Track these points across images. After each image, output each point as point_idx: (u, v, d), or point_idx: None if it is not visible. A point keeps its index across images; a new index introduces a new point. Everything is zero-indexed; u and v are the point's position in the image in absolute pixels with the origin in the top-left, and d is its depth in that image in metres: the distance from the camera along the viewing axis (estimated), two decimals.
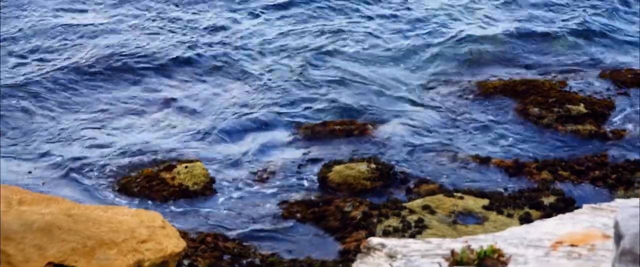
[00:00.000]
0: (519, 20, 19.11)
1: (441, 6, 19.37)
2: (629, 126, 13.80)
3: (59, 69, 15.38)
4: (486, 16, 19.19)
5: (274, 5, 18.85)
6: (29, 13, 17.75)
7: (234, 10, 18.60)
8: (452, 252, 4.17)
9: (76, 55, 16.03)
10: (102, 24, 17.48)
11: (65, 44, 16.45)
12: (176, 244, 6.25)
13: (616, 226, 3.67)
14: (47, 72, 15.24)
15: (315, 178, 11.93)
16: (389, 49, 17.12)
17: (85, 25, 17.38)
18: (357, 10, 18.91)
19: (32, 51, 16.10)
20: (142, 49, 16.39)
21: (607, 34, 18.56)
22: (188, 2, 18.77)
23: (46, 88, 14.66)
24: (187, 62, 16.04)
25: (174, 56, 16.26)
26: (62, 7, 18.22)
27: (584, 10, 19.81)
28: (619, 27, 18.98)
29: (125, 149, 12.83)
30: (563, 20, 19.20)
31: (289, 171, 12.17)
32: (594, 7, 19.95)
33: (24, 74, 15.13)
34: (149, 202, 11.07)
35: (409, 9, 19.17)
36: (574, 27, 18.88)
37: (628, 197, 10.45)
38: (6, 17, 17.37)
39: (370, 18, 18.60)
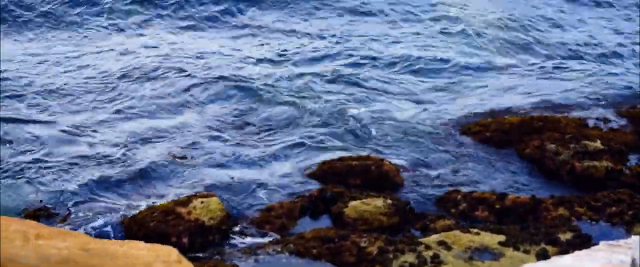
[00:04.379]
0: (536, 56, 19.16)
1: (456, 45, 19.49)
2: None
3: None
4: (502, 52, 19.26)
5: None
6: None
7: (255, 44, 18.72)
8: None
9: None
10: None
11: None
12: None
13: (633, 263, 3.66)
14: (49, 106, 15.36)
15: (331, 213, 11.92)
16: (405, 86, 17.18)
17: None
18: (374, 45, 19.02)
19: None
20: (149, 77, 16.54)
21: (626, 71, 18.58)
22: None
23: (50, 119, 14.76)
24: (201, 90, 16.15)
25: (187, 83, 16.39)
26: None
27: (605, 46, 19.88)
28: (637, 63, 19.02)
29: (141, 183, 12.87)
30: (581, 56, 19.24)
31: (305, 205, 12.17)
32: (616, 42, 20.01)
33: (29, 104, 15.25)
34: (165, 236, 11.05)
35: (424, 46, 19.28)
36: (592, 62, 18.91)
37: None
38: None
39: (387, 54, 18.70)
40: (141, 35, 19.59)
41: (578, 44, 20.10)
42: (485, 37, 20.20)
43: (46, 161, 13.40)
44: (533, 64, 18.82)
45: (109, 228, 11.53)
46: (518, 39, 20.29)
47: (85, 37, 19.27)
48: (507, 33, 20.58)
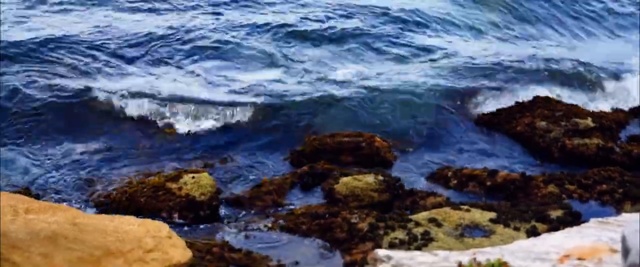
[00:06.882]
0: (528, 34, 19.13)
1: (448, 20, 19.41)
2: (636, 140, 13.78)
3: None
4: (493, 31, 19.22)
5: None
6: None
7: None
8: (460, 264, 4.17)
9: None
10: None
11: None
12: (182, 254, 6.24)
13: (623, 240, 3.66)
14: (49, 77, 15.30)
15: (321, 189, 11.92)
16: (397, 63, 17.15)
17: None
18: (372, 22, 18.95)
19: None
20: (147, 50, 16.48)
21: (618, 49, 18.57)
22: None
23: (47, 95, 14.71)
24: (193, 70, 16.11)
25: (184, 60, 16.33)
26: None
27: (594, 24, 19.84)
28: (631, 40, 19.01)
29: (131, 158, 12.86)
30: (570, 34, 19.22)
31: (295, 181, 12.17)
32: (605, 18, 19.98)
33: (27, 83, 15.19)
34: (156, 212, 11.05)
35: (416, 23, 19.20)
36: (581, 40, 18.90)
37: (635, 211, 10.44)
38: None
39: (378, 33, 18.64)
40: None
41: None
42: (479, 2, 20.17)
43: (34, 135, 13.39)
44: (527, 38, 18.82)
45: (99, 202, 11.52)
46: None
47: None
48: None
